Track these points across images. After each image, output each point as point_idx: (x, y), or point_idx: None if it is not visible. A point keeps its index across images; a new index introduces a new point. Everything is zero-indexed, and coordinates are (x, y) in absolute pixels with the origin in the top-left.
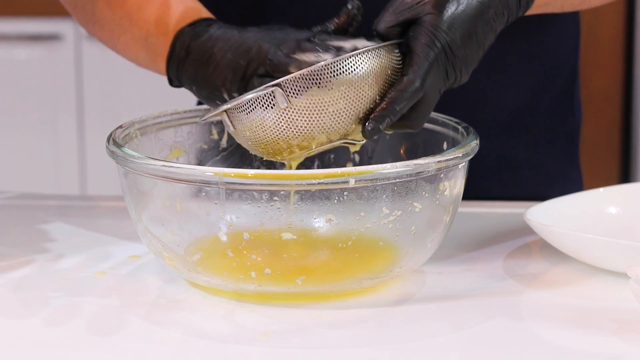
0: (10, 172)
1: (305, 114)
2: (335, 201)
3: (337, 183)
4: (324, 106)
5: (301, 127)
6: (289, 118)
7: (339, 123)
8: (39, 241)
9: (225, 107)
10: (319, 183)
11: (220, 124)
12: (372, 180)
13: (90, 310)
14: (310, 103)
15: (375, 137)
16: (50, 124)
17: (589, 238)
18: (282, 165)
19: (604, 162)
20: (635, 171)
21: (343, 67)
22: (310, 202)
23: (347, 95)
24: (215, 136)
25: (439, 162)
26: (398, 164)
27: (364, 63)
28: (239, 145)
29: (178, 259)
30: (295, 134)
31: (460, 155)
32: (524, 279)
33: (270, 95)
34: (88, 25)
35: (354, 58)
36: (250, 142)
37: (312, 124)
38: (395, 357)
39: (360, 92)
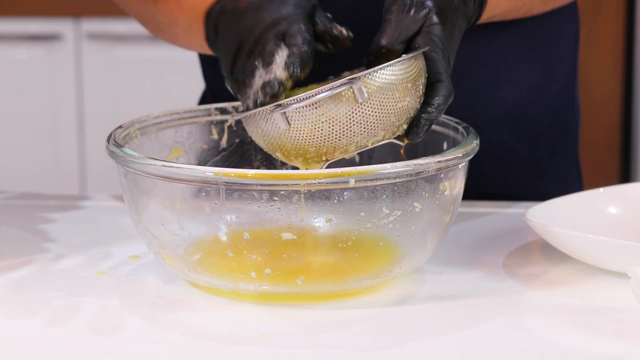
0: (10, 172)
1: (376, 109)
2: (335, 201)
3: (337, 183)
4: (393, 102)
5: (370, 122)
6: (362, 112)
7: (399, 121)
8: (39, 241)
9: (295, 103)
10: (319, 183)
11: (220, 124)
12: (372, 180)
13: (90, 310)
14: (383, 99)
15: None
16: (50, 124)
17: (589, 238)
18: (282, 165)
19: (604, 162)
20: (635, 171)
21: (410, 66)
22: (310, 202)
23: (410, 94)
24: (215, 136)
25: (439, 162)
26: (398, 164)
27: (419, 62)
28: (239, 146)
29: (178, 259)
30: (361, 130)
31: (460, 155)
32: (524, 279)
33: (349, 89)
34: (157, 33)
35: (414, 58)
36: (301, 142)
37: (379, 119)
38: (395, 357)
39: (417, 92)
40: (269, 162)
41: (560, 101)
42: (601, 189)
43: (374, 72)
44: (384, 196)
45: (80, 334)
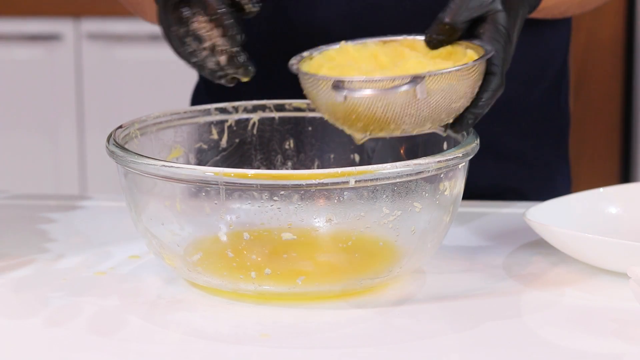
0: (10, 172)
1: (431, 107)
2: (335, 201)
3: (337, 183)
4: (448, 103)
5: (422, 116)
6: (417, 107)
7: (448, 118)
8: (39, 241)
9: (356, 85)
10: (319, 183)
11: (220, 124)
12: (372, 180)
13: (90, 310)
14: (440, 99)
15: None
16: (50, 124)
17: (589, 238)
18: (281, 165)
19: (604, 162)
20: (635, 171)
21: (474, 71)
22: (310, 202)
23: (466, 97)
24: (215, 136)
25: (439, 162)
26: (398, 164)
27: (482, 66)
28: (239, 145)
29: (178, 259)
30: (412, 121)
31: (460, 155)
32: (524, 279)
33: (416, 81)
34: (131, 8)
35: (480, 62)
36: (351, 115)
37: (431, 115)
38: (395, 357)
39: (473, 94)
40: (269, 162)
41: (550, 98)
42: (601, 189)
43: (440, 74)
44: (384, 196)
45: (80, 334)
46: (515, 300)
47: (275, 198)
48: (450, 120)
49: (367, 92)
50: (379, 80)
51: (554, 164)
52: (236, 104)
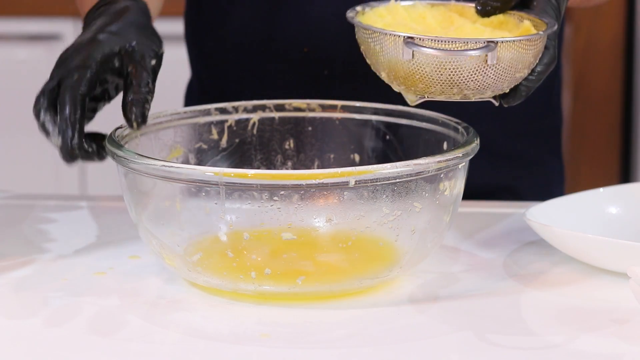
0: (10, 172)
1: (498, 74)
2: (335, 201)
3: (337, 183)
4: (513, 72)
5: (486, 83)
6: (484, 73)
7: (508, 87)
8: (39, 241)
9: (429, 44)
10: (319, 183)
11: (220, 124)
12: (372, 180)
13: (90, 310)
14: (507, 67)
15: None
16: None
17: (589, 238)
18: (281, 165)
19: (604, 162)
20: (635, 171)
21: (540, 43)
22: (310, 202)
23: (528, 67)
24: (215, 136)
25: (439, 162)
26: (398, 164)
27: (544, 41)
28: (239, 145)
29: (178, 259)
30: (476, 86)
31: (460, 155)
32: (524, 279)
33: (489, 47)
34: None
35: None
36: (416, 75)
37: (495, 83)
38: (395, 357)
39: (533, 66)
40: (269, 162)
41: (543, 96)
42: (601, 189)
43: (512, 41)
44: (384, 196)
45: (80, 334)
46: (515, 300)
47: (275, 198)
48: (507, 90)
49: (440, 51)
50: (452, 41)
51: (547, 162)
52: (236, 104)
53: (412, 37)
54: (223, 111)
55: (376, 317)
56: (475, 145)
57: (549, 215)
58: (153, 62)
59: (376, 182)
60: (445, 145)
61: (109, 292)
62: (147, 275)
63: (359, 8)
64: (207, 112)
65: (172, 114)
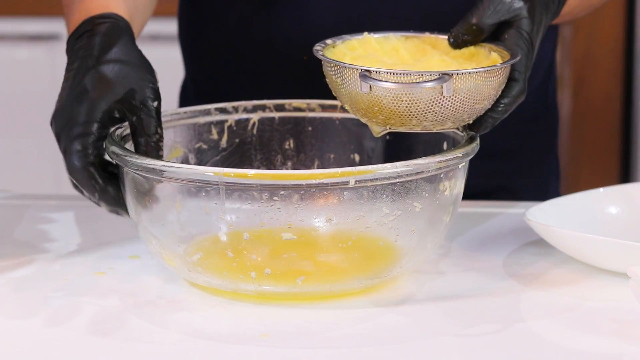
0: (10, 172)
1: (455, 105)
2: (335, 201)
3: (337, 183)
4: (472, 104)
5: (444, 114)
6: (441, 104)
7: (470, 118)
8: (39, 241)
9: (382, 77)
10: (319, 183)
11: (220, 124)
12: (372, 180)
13: (90, 310)
14: (465, 98)
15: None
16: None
17: (589, 238)
18: (281, 165)
19: (604, 162)
20: (635, 171)
21: (500, 75)
22: (310, 202)
23: (489, 98)
24: (215, 136)
25: (439, 162)
26: (398, 164)
27: (507, 70)
28: (239, 145)
29: (178, 259)
30: (434, 117)
31: (461, 155)
32: (524, 279)
33: (444, 79)
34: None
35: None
36: (375, 107)
37: (454, 114)
38: (395, 357)
39: (495, 97)
40: (269, 162)
41: (538, 95)
42: (601, 189)
43: (468, 73)
44: (384, 196)
45: (80, 334)
46: (515, 300)
47: (275, 198)
48: (470, 121)
49: (394, 84)
50: (407, 74)
51: (544, 162)
52: (236, 104)
53: (368, 71)
54: (223, 111)
55: (376, 317)
56: (475, 145)
57: (549, 215)
58: (155, 104)
59: (376, 182)
60: (445, 145)
61: (109, 292)
62: (147, 275)
63: (329, 41)
64: (207, 112)
65: (172, 114)
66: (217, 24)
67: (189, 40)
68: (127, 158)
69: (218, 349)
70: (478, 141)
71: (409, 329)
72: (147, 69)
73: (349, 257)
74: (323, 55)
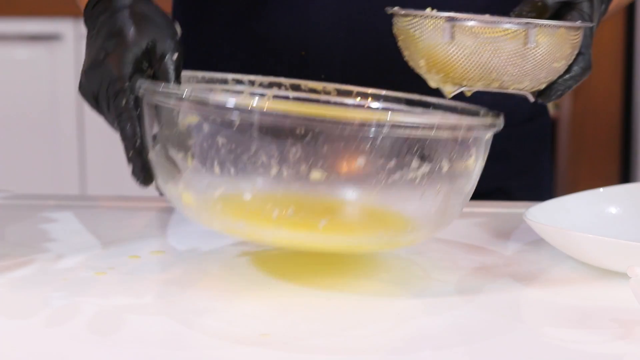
0: (10, 172)
1: (536, 59)
2: (368, 147)
3: (371, 126)
4: (551, 60)
5: (525, 69)
6: (523, 56)
7: (546, 78)
8: (39, 241)
9: (470, 20)
10: (350, 127)
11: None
12: (404, 127)
13: (90, 310)
14: (546, 52)
15: None
16: (50, 124)
17: (589, 238)
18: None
19: (604, 162)
20: (635, 171)
21: (578, 35)
22: (344, 145)
23: (566, 58)
24: None
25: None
26: (434, 116)
27: (581, 37)
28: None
29: (199, 195)
30: (514, 72)
31: (489, 123)
32: (524, 279)
33: (525, 30)
34: None
35: (581, 30)
36: (454, 58)
37: (533, 70)
38: (395, 357)
39: (570, 59)
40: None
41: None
42: (601, 189)
43: (552, 25)
44: (415, 149)
45: (80, 334)
46: (515, 300)
47: (307, 136)
48: (544, 85)
49: (480, 24)
50: (492, 21)
51: (538, 163)
52: (252, 77)
53: (452, 17)
54: (239, 82)
55: (376, 317)
56: (501, 122)
57: (549, 215)
58: (175, 55)
59: (409, 133)
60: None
61: (109, 292)
62: (147, 275)
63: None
64: (224, 81)
65: (190, 76)
66: (212, 18)
67: (183, 34)
68: (171, 92)
69: (218, 349)
70: (502, 120)
71: (409, 329)
72: (167, 22)
73: (372, 207)
74: (398, 9)
